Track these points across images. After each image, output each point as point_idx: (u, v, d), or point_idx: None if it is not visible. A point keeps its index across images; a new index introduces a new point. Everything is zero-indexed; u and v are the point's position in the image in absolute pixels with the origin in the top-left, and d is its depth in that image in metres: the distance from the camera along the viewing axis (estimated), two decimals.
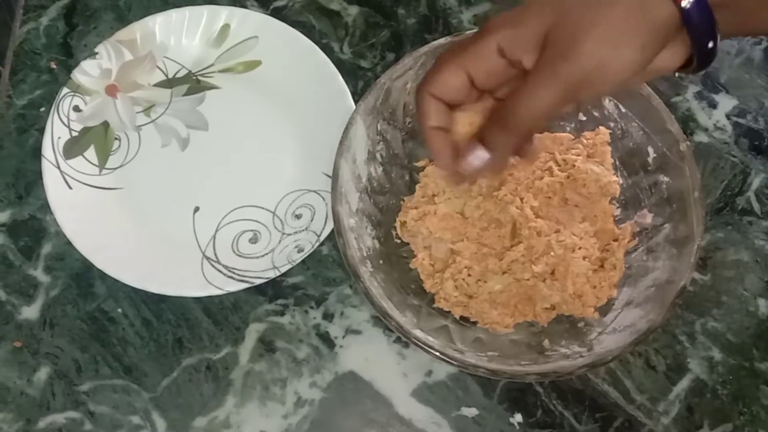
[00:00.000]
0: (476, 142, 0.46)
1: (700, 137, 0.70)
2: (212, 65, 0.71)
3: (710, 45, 0.41)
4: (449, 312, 0.60)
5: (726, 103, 0.71)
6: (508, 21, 0.43)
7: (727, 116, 0.70)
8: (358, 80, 0.71)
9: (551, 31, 0.42)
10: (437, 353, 0.53)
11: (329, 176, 0.58)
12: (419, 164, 0.65)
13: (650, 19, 0.40)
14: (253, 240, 0.65)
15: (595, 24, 0.40)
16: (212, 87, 0.70)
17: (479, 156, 0.46)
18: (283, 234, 0.65)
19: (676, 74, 0.50)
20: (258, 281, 0.62)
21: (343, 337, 0.63)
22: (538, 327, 0.60)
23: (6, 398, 0.61)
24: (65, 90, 0.67)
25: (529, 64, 0.43)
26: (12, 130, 0.70)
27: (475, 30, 0.58)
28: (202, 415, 0.61)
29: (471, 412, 0.61)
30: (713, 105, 0.71)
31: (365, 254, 0.59)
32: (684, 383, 0.62)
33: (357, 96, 0.66)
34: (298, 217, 0.65)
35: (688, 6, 0.40)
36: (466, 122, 0.47)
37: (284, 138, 0.69)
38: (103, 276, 0.62)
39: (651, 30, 0.40)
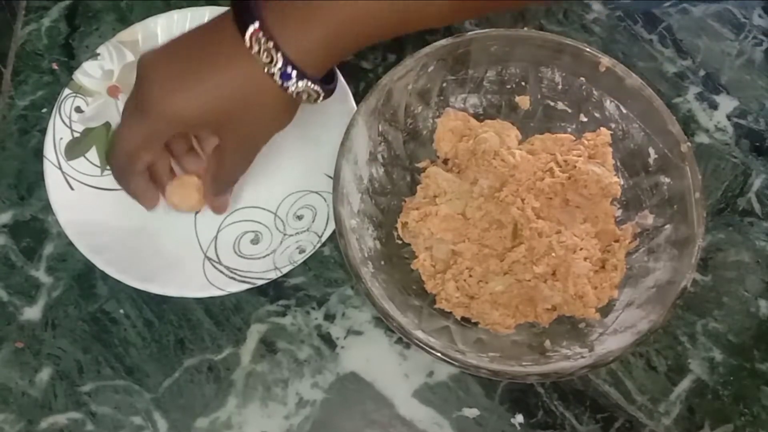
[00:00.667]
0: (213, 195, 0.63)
1: (701, 138, 0.70)
2: None
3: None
4: (450, 313, 0.60)
5: (727, 104, 0.71)
6: (169, 107, 0.53)
7: (728, 117, 0.71)
8: (360, 81, 0.71)
9: (217, 121, 0.54)
10: (438, 354, 0.53)
11: (331, 177, 0.58)
12: (420, 165, 0.65)
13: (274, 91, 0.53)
14: (255, 241, 0.65)
15: (244, 107, 0.54)
16: None
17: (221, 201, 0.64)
18: (285, 235, 0.65)
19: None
20: (259, 282, 0.61)
21: (345, 337, 0.63)
22: (540, 328, 0.60)
23: (8, 399, 0.61)
24: (67, 91, 0.67)
25: (208, 133, 0.62)
26: (14, 131, 0.70)
27: (476, 31, 0.59)
28: (203, 416, 0.61)
29: (472, 412, 0.61)
30: (714, 106, 0.71)
31: (366, 255, 0.59)
32: (685, 384, 0.62)
33: (358, 97, 0.65)
34: (300, 218, 0.65)
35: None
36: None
37: (285, 139, 0.67)
38: (105, 277, 0.62)
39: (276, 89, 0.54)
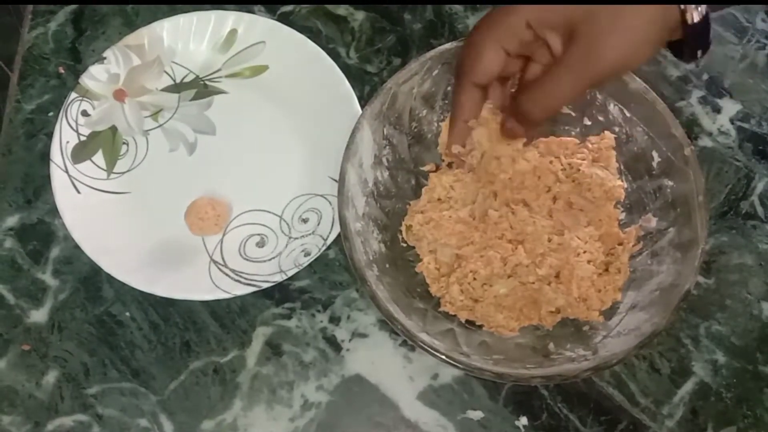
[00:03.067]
0: (510, 118, 0.54)
1: (705, 142, 0.70)
2: (219, 70, 0.71)
3: (699, 54, 0.47)
4: (455, 315, 0.60)
5: (730, 107, 0.71)
6: (531, 4, 0.47)
7: (731, 121, 0.71)
8: (365, 85, 0.72)
9: (578, 26, 0.46)
10: (443, 356, 0.53)
11: (336, 180, 0.58)
12: (425, 168, 0.65)
13: (665, 27, 0.45)
14: (261, 244, 0.65)
15: (620, 27, 0.44)
16: (219, 92, 0.70)
17: (512, 126, 0.54)
18: (290, 238, 0.65)
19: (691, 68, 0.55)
20: (265, 285, 0.62)
21: (350, 340, 0.64)
22: (544, 330, 0.60)
23: (14, 401, 0.62)
24: (73, 95, 0.67)
25: (554, 44, 0.48)
26: (20, 134, 0.70)
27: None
28: (209, 418, 0.61)
29: (477, 415, 0.61)
30: (717, 109, 0.71)
31: (371, 258, 0.59)
32: (688, 386, 0.62)
33: (363, 101, 0.66)
34: (305, 221, 0.66)
35: (692, 24, 0.45)
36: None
37: (291, 142, 0.69)
38: (111, 280, 0.63)
39: (665, 33, 0.45)
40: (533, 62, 0.52)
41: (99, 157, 0.67)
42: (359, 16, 0.74)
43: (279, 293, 0.65)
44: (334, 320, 0.64)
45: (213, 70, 0.71)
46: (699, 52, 0.47)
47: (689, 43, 0.45)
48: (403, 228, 0.63)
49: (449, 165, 0.64)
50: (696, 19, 0.44)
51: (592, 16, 0.45)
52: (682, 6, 0.44)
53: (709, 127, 0.70)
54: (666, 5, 0.44)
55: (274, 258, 0.64)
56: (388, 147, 0.63)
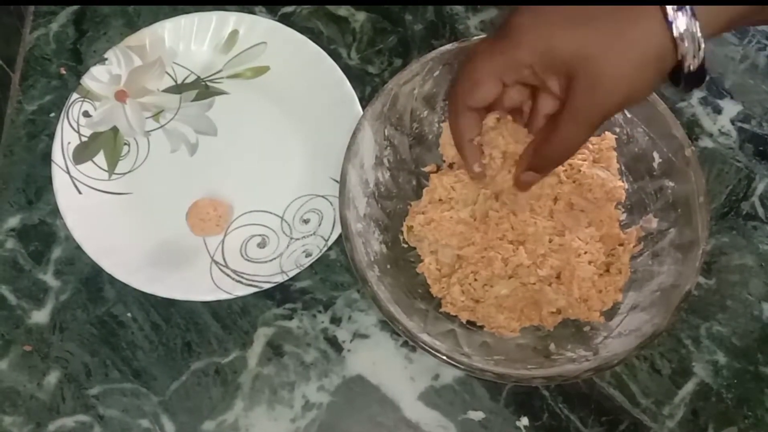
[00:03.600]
0: (527, 170, 0.54)
1: (705, 142, 0.70)
2: (221, 71, 0.71)
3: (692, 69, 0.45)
4: (456, 316, 0.60)
5: (731, 108, 0.71)
6: (540, 38, 0.47)
7: (732, 121, 0.71)
8: (366, 86, 0.72)
9: (577, 72, 0.46)
10: (444, 357, 0.53)
11: (337, 181, 0.58)
12: (426, 169, 0.65)
13: (664, 60, 0.45)
14: (262, 244, 0.65)
15: (617, 63, 0.45)
16: (221, 92, 0.70)
17: (529, 178, 0.55)
18: (291, 238, 0.65)
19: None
20: (266, 285, 0.62)
21: (351, 341, 0.64)
22: (544, 331, 0.60)
23: (16, 402, 0.62)
24: (75, 95, 0.67)
25: (553, 87, 0.49)
26: (22, 135, 0.70)
27: (482, 36, 0.59)
28: (210, 419, 0.61)
29: (478, 415, 0.61)
30: (718, 110, 0.71)
31: (372, 259, 0.59)
32: (689, 387, 0.62)
33: (364, 101, 0.66)
34: (306, 221, 0.66)
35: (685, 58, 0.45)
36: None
37: (292, 143, 0.69)
38: (113, 280, 0.63)
39: (666, 64, 0.45)
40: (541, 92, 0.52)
41: (100, 158, 0.67)
42: (360, 16, 0.74)
43: (280, 294, 0.65)
44: (336, 321, 0.64)
45: (214, 70, 0.71)
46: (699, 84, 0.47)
47: (687, 82, 0.46)
48: (404, 229, 0.63)
49: (450, 166, 0.65)
50: (693, 68, 0.45)
51: (587, 51, 0.45)
52: (679, 56, 0.44)
53: (709, 128, 0.70)
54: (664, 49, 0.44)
55: (275, 259, 0.64)
56: (389, 148, 0.63)
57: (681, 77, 0.45)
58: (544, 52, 0.46)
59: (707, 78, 0.47)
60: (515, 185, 0.57)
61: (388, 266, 0.60)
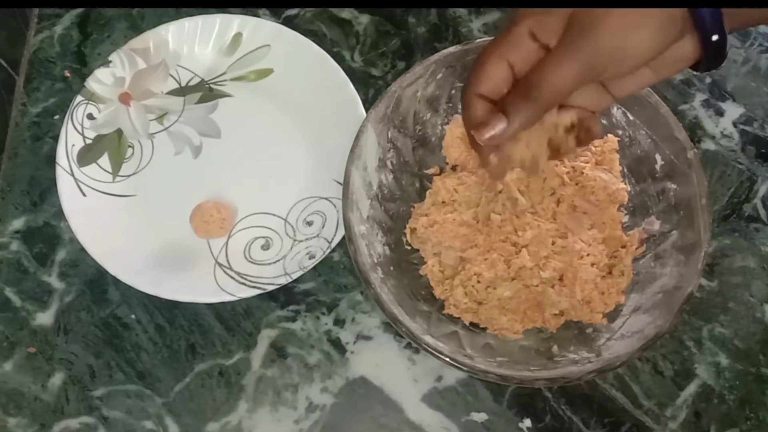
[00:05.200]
0: (497, 112, 0.47)
1: (707, 145, 0.70)
2: (224, 73, 0.71)
3: (715, 38, 0.43)
4: (459, 318, 0.60)
5: (733, 111, 0.71)
6: (537, 11, 0.45)
7: (734, 124, 0.71)
8: (369, 88, 0.72)
9: (574, 13, 0.44)
10: (447, 359, 0.53)
11: (340, 183, 0.58)
12: (429, 171, 0.65)
13: (674, 21, 0.42)
14: (265, 247, 0.65)
15: (620, 14, 0.42)
16: (225, 95, 0.71)
17: (497, 126, 0.47)
18: (295, 241, 0.65)
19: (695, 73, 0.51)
20: (270, 287, 0.62)
21: (354, 342, 0.64)
22: (547, 333, 0.60)
23: (20, 403, 0.62)
24: (79, 98, 0.67)
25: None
26: (26, 137, 0.70)
27: (485, 38, 0.59)
28: (214, 420, 0.61)
29: (481, 417, 0.61)
30: (720, 113, 0.71)
31: (376, 261, 0.59)
32: (691, 389, 0.62)
33: (368, 104, 0.66)
34: (310, 224, 0.66)
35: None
36: None
37: (296, 145, 0.69)
38: (117, 282, 0.63)
39: (667, 13, 0.42)
40: None
41: (104, 160, 0.68)
42: (364, 19, 0.74)
43: (284, 296, 0.65)
44: (339, 323, 0.64)
45: (218, 73, 0.71)
46: (715, 36, 0.43)
47: (698, 26, 0.43)
48: (407, 231, 0.63)
49: (453, 168, 0.65)
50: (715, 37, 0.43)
51: (590, 11, 0.43)
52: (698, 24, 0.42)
53: (711, 130, 0.70)
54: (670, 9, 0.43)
55: (278, 261, 0.64)
56: (392, 150, 0.63)
57: (704, 46, 0.43)
58: (543, 13, 0.45)
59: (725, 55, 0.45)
60: (472, 145, 0.52)
61: (392, 268, 0.60)
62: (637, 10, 0.42)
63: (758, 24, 0.48)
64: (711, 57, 0.44)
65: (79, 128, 0.67)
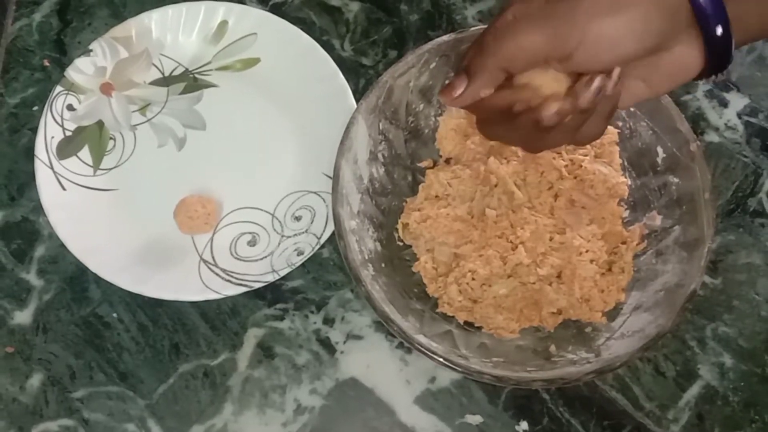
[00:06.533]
0: (461, 72, 0.46)
1: (711, 137, 0.69)
2: (210, 63, 0.70)
3: (719, 31, 0.41)
4: (453, 317, 0.60)
5: (737, 101, 0.70)
6: None
7: (739, 115, 0.70)
8: (360, 78, 0.71)
9: None
10: (441, 359, 0.53)
11: (330, 177, 0.58)
12: (422, 165, 0.64)
13: (676, 10, 0.41)
14: (252, 243, 0.64)
15: None
16: (210, 85, 0.70)
17: (460, 86, 0.46)
18: (283, 236, 0.64)
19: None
20: (257, 285, 0.61)
21: (344, 342, 0.63)
22: (545, 332, 0.60)
23: None
24: (59, 88, 0.66)
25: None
26: (4, 129, 0.69)
27: (480, 26, 0.58)
28: (199, 423, 0.61)
29: (476, 419, 0.61)
30: (724, 104, 0.70)
31: (367, 257, 0.58)
32: (694, 390, 0.62)
33: (358, 94, 0.66)
34: (298, 219, 0.65)
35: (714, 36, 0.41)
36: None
37: (284, 138, 0.68)
38: (98, 280, 0.62)
39: (654, 4, 0.40)
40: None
41: (85, 153, 0.67)
42: (354, 6, 0.73)
43: (271, 294, 0.64)
44: (328, 321, 0.63)
45: (203, 62, 0.70)
46: (719, 28, 0.41)
47: (699, 17, 0.41)
48: (399, 226, 0.63)
49: (447, 161, 0.64)
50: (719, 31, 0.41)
51: None
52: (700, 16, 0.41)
53: (715, 121, 0.70)
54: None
55: (266, 257, 0.63)
56: (383, 142, 0.62)
57: (707, 44, 0.42)
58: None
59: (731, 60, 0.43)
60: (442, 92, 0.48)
61: (383, 265, 0.60)
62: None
63: (758, 38, 0.46)
64: (715, 57, 0.42)
65: (59, 120, 0.66)
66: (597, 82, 0.43)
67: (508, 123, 0.47)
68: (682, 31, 0.41)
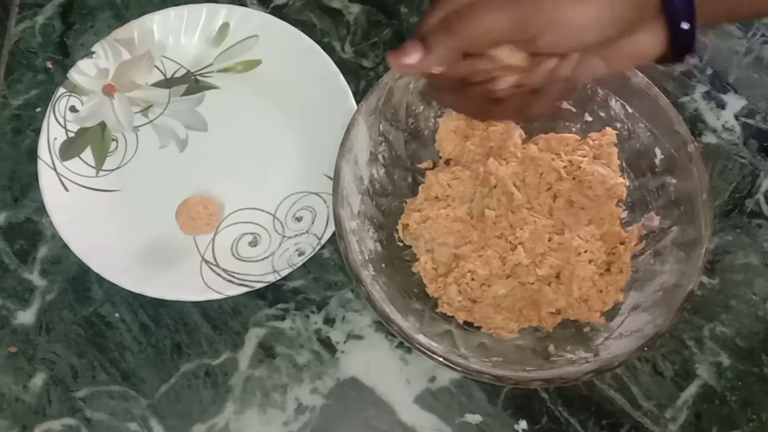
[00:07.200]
0: (416, 40, 0.43)
1: (708, 138, 0.69)
2: (211, 65, 0.70)
3: (685, 26, 0.41)
4: (453, 317, 0.60)
5: (735, 103, 0.70)
6: None
7: (736, 117, 0.70)
8: (360, 80, 0.71)
9: None
10: (441, 359, 0.53)
11: (330, 178, 0.58)
12: (422, 166, 0.64)
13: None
14: (253, 243, 0.64)
15: None
16: (211, 87, 0.69)
17: (412, 54, 0.43)
18: (284, 237, 0.64)
19: (661, 67, 0.49)
20: (258, 285, 0.61)
21: (345, 342, 0.63)
22: (544, 332, 0.60)
23: (1, 405, 0.61)
24: (61, 90, 0.66)
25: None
26: (7, 131, 0.69)
27: None
28: (201, 422, 0.61)
29: (475, 418, 0.61)
30: (722, 105, 0.70)
31: (367, 257, 0.58)
32: (692, 389, 0.62)
33: (359, 96, 0.65)
34: (299, 219, 0.65)
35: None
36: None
37: (284, 139, 0.68)
38: (100, 280, 0.62)
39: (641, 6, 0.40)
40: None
41: (88, 154, 0.67)
42: (354, 9, 0.73)
43: (272, 294, 0.64)
44: (329, 321, 0.63)
45: (204, 64, 0.70)
46: (684, 24, 0.41)
47: (667, 10, 0.41)
48: (399, 227, 0.62)
49: (447, 162, 0.64)
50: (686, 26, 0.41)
51: None
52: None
53: (713, 123, 0.70)
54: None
55: (267, 258, 0.63)
56: (384, 143, 0.62)
57: (672, 35, 0.41)
58: None
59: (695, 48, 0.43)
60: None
61: (383, 265, 0.59)
62: None
63: (725, 21, 0.45)
64: (678, 49, 0.42)
65: (62, 121, 0.66)
66: (551, 63, 0.43)
67: (460, 91, 0.46)
68: (647, 20, 0.41)
